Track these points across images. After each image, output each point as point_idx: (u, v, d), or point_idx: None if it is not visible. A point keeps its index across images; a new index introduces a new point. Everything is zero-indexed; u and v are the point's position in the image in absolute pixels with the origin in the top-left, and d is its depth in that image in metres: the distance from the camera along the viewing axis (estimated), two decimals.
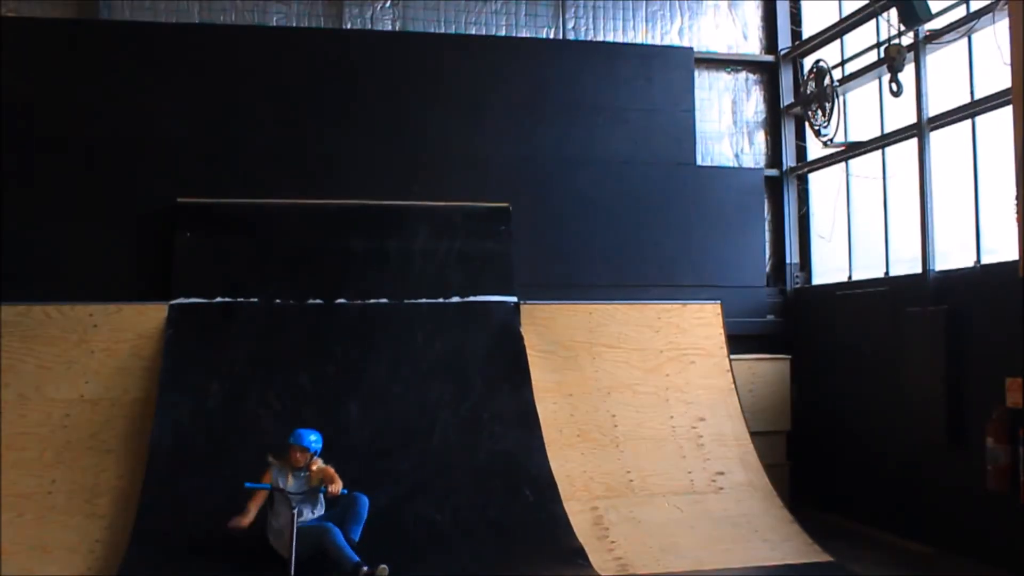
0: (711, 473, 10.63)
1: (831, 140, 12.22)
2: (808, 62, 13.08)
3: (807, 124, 12.88)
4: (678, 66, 12.94)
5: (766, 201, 13.39)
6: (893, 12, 10.57)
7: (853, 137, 12.28)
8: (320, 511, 8.58)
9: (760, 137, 13.77)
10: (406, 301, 11.00)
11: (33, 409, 9.56)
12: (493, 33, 12.82)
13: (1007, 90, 9.08)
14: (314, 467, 8.54)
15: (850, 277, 12.36)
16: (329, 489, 8.37)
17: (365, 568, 8.04)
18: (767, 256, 13.32)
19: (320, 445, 8.66)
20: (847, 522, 11.43)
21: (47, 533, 8.81)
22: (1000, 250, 9.55)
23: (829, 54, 12.67)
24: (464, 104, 12.18)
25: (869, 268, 11.98)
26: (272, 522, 8.45)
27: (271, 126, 11.61)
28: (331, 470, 8.52)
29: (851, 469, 11.64)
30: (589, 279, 12.20)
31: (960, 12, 10.18)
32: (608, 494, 10.19)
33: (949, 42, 10.35)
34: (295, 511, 8.18)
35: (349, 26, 12.46)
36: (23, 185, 10.80)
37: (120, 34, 11.52)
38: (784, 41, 13.66)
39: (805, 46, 13.29)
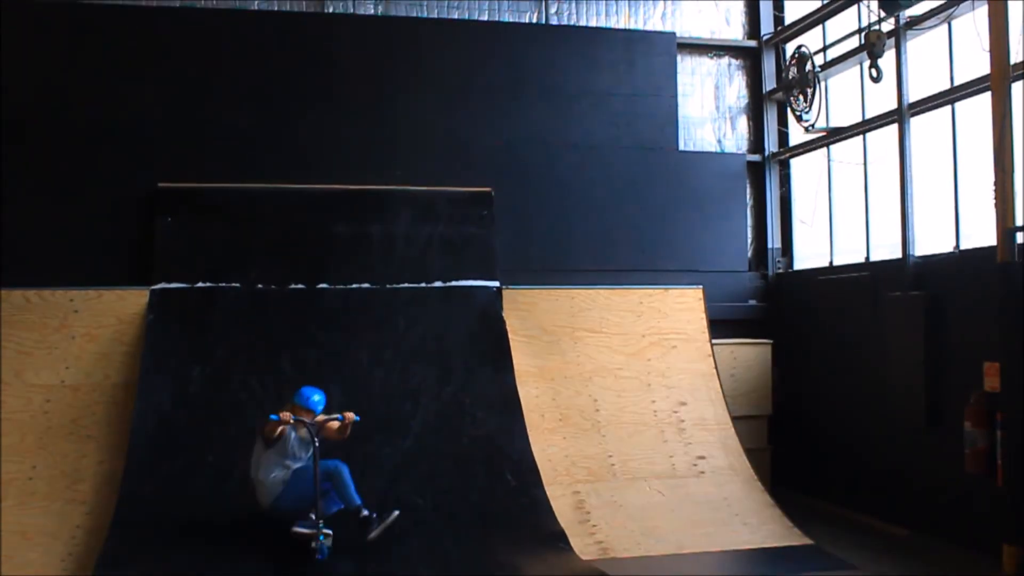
0: (692, 457, 10.68)
1: (813, 126, 12.27)
2: (790, 48, 13.11)
3: (789, 109, 12.92)
4: (661, 51, 12.93)
5: (748, 186, 13.41)
6: None
7: (835, 123, 12.33)
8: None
9: (742, 122, 13.79)
10: (388, 286, 11.00)
11: (13, 395, 9.51)
12: (475, 18, 12.77)
13: (986, 76, 9.12)
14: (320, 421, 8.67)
15: (831, 262, 12.41)
16: (346, 418, 8.61)
17: (364, 513, 8.38)
18: (749, 241, 13.35)
19: (323, 405, 8.74)
20: (827, 505, 11.51)
21: (28, 519, 8.79)
22: (979, 235, 9.61)
23: (811, 40, 12.70)
24: (446, 89, 12.14)
25: (850, 253, 12.03)
26: (259, 473, 8.51)
27: (253, 110, 11.54)
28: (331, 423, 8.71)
29: (831, 453, 11.71)
30: (571, 264, 12.19)
31: None
32: (590, 478, 10.23)
33: (929, 28, 10.37)
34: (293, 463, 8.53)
35: (331, 10, 12.40)
36: (2, 170, 10.70)
37: (100, 17, 11.40)
38: (767, 26, 13.66)
39: (787, 31, 13.30)
